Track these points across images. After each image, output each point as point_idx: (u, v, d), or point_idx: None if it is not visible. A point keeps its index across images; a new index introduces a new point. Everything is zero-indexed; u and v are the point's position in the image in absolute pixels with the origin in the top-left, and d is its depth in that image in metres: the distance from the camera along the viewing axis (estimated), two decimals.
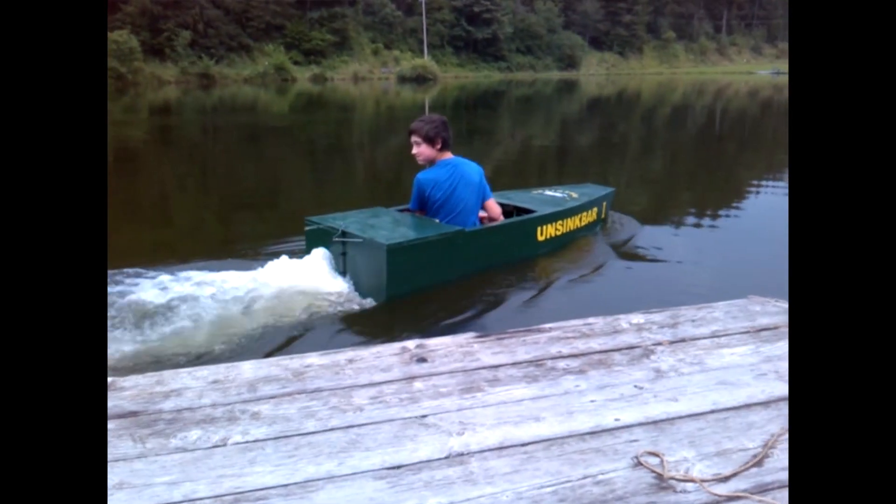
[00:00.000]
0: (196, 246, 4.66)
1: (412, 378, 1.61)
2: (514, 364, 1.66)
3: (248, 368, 1.70)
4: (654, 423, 1.37)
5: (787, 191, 7.66)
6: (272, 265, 3.24)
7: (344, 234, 3.24)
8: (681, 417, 1.39)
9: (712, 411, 1.41)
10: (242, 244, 4.39)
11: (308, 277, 3.18)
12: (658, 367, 1.63)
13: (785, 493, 1.14)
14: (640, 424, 1.36)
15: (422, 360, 1.71)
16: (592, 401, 1.47)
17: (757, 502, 1.13)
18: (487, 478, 1.19)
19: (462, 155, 3.84)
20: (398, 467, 1.24)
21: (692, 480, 1.18)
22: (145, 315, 2.79)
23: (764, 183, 8.07)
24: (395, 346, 1.80)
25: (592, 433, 1.33)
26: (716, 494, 1.14)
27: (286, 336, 2.75)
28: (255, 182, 7.99)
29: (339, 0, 52.90)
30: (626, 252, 4.30)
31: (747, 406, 1.43)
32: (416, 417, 1.42)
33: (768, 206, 6.43)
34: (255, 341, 2.68)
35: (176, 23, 38.13)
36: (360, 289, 3.17)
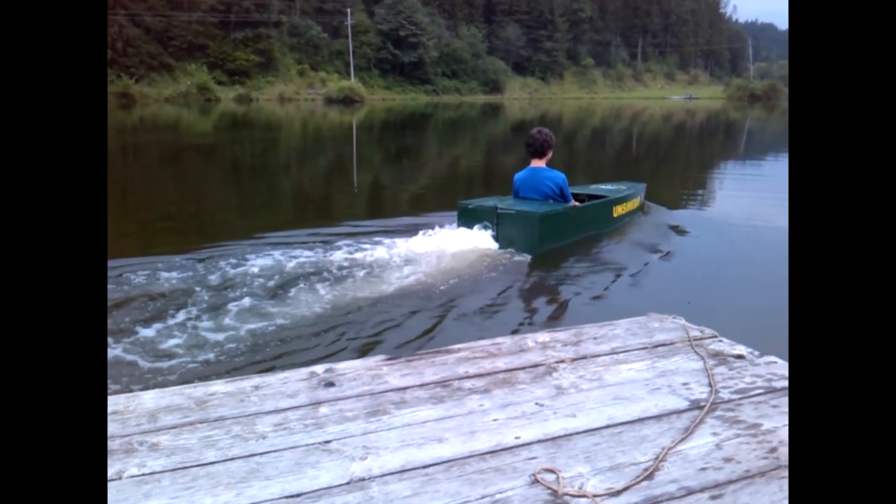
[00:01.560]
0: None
1: (318, 403, 1.60)
2: (421, 385, 1.68)
3: (150, 398, 1.65)
4: (553, 439, 1.41)
5: (700, 206, 8.07)
6: (446, 234, 4.78)
7: (498, 209, 4.69)
8: (578, 433, 1.44)
9: (608, 426, 1.46)
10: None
11: (473, 241, 4.65)
12: (559, 384, 1.68)
13: None
14: (539, 441, 1.40)
15: (329, 384, 1.70)
16: (495, 420, 1.50)
17: None
18: (387, 502, 1.20)
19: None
20: (297, 495, 1.22)
21: (585, 496, 1.22)
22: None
23: (682, 199, 8.46)
24: (304, 371, 1.78)
25: (493, 452, 1.36)
26: None
27: (465, 279, 4.03)
28: (176, 201, 7.78)
29: (263, 21, 52.29)
30: (550, 268, 4.43)
31: (641, 420, 1.49)
32: (319, 443, 1.41)
33: (687, 220, 6.70)
34: (443, 283, 3.90)
35: None
36: (514, 247, 4.63)
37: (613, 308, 3.58)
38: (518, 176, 5.21)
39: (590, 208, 5.34)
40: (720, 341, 1.97)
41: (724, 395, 1.61)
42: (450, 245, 4.59)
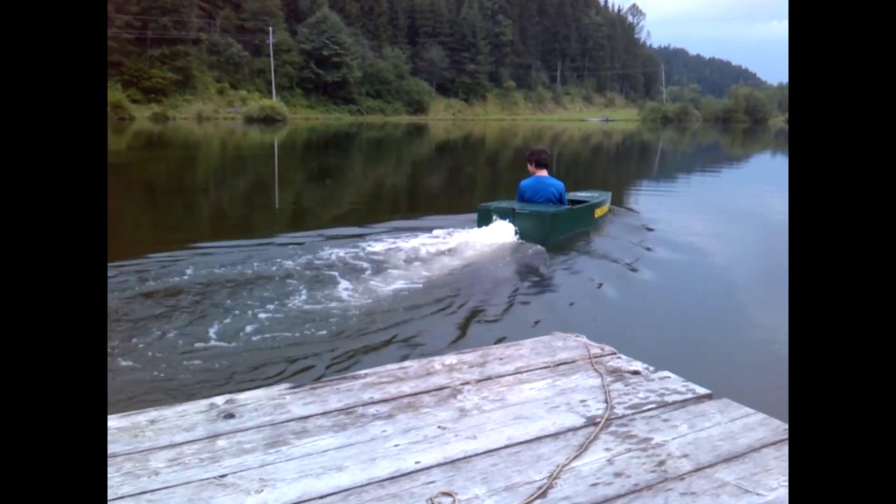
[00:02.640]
0: None
1: (216, 436, 1.56)
2: (324, 413, 1.66)
3: None
4: (452, 462, 1.43)
5: (622, 224, 8.35)
6: (471, 232, 5.99)
7: (515, 210, 5.92)
8: (477, 455, 1.46)
9: (506, 446, 1.49)
10: None
11: (501, 233, 5.81)
12: (463, 406, 1.70)
13: None
14: (439, 465, 1.41)
15: (229, 416, 1.66)
16: (396, 445, 1.50)
17: None
18: None
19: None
20: None
21: None
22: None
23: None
24: (203, 403, 1.73)
25: (392, 478, 1.36)
26: None
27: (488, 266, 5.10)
28: None
29: (181, 38, 50.94)
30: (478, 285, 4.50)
31: (538, 439, 1.53)
32: (214, 478, 1.37)
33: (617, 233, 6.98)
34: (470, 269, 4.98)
35: None
36: (528, 239, 5.74)
37: (535, 328, 3.66)
38: (525, 183, 6.35)
39: (580, 210, 6.67)
40: (618, 358, 2.04)
41: (619, 410, 1.67)
42: (478, 239, 5.79)
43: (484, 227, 5.95)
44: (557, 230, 6.07)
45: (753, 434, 1.56)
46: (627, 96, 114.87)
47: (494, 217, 5.95)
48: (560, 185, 6.26)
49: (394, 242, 5.77)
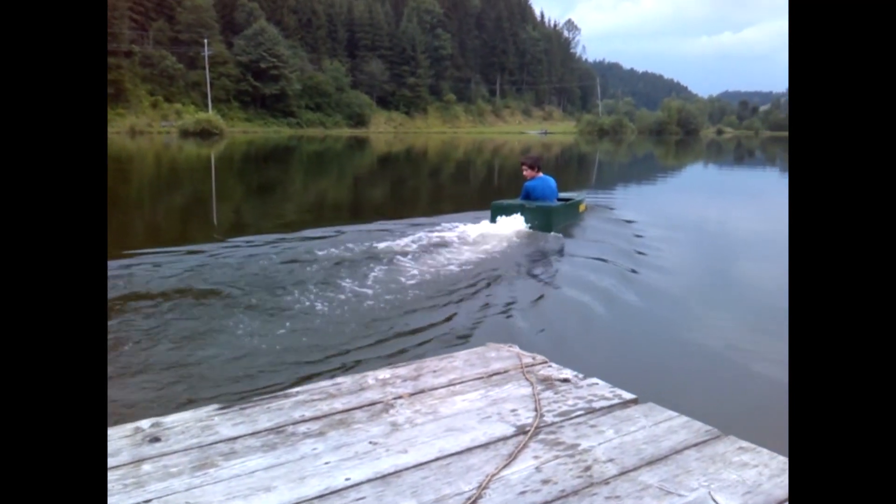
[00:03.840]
0: None
1: (141, 461, 1.51)
2: (253, 434, 1.64)
3: None
4: (383, 477, 1.43)
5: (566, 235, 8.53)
6: (492, 224, 7.42)
7: (525, 206, 7.37)
8: (408, 469, 1.46)
9: (437, 459, 1.50)
10: None
11: (513, 224, 7.30)
12: (395, 420, 1.70)
13: None
14: (369, 481, 1.41)
15: (155, 439, 1.62)
16: (327, 462, 1.49)
17: None
18: None
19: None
20: None
21: None
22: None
23: None
24: (128, 428, 1.68)
25: (321, 497, 1.35)
26: None
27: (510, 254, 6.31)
28: None
29: (113, 50, 49.41)
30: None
31: (469, 450, 1.55)
32: None
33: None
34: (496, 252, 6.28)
35: None
36: (536, 228, 7.23)
37: (475, 337, 3.69)
38: (530, 183, 7.84)
39: (570, 206, 8.32)
40: (550, 366, 2.08)
41: (549, 418, 1.71)
42: (496, 230, 7.26)
43: (499, 219, 7.45)
44: (559, 221, 7.65)
45: (676, 436, 1.62)
46: (565, 109, 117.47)
47: (506, 213, 7.46)
48: (555, 182, 8.04)
49: (348, 248, 5.94)
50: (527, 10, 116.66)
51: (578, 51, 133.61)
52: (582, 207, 8.95)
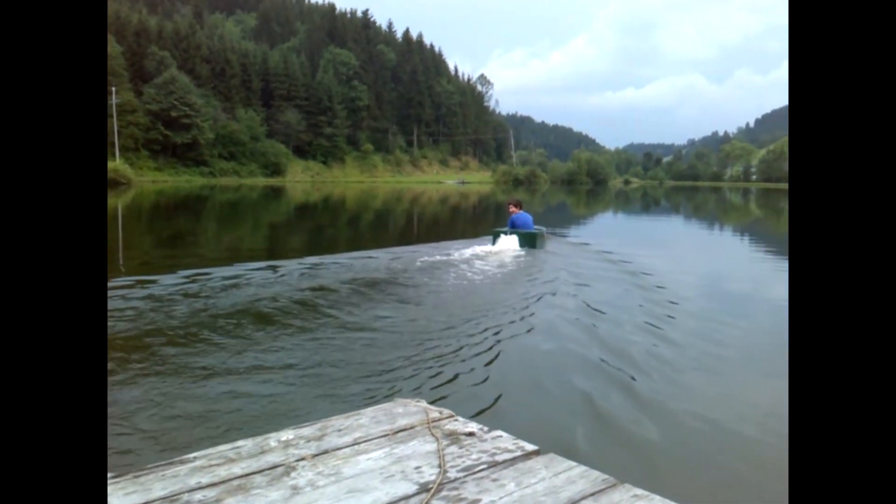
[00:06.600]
0: None
1: None
2: None
3: None
4: None
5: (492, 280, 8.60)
6: (495, 244, 11.37)
7: (514, 230, 11.46)
8: None
9: None
10: None
11: (511, 243, 11.24)
12: (296, 483, 1.66)
13: None
14: None
15: None
16: None
17: None
18: None
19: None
20: None
21: None
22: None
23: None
24: None
25: None
26: None
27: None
28: None
29: None
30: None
31: None
32: None
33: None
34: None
35: None
36: (524, 247, 11.15)
37: (389, 392, 3.65)
38: (514, 217, 11.71)
39: (541, 233, 11.73)
40: (456, 420, 2.10)
41: (452, 474, 1.72)
42: (500, 248, 11.05)
43: (500, 240, 11.35)
44: (538, 244, 11.37)
45: (574, 487, 1.66)
46: (481, 160, 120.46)
47: (505, 234, 11.41)
48: (531, 218, 11.96)
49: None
50: (441, 65, 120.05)
51: (492, 104, 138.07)
52: (545, 237, 12.39)
